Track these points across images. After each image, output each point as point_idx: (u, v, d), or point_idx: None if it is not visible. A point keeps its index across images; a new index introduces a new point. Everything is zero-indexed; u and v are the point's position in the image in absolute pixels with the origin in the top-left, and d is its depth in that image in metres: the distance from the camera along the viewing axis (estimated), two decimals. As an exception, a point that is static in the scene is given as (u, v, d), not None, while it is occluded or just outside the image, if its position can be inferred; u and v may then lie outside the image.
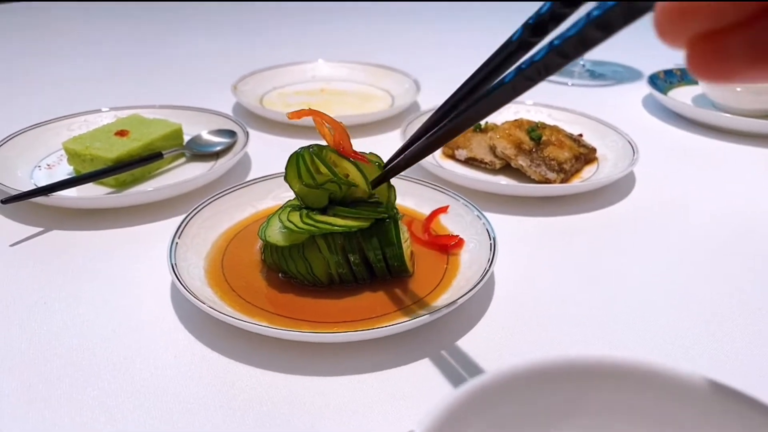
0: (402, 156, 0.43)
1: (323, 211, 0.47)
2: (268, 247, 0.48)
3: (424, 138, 0.40)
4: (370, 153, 0.48)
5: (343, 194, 0.46)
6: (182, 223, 0.52)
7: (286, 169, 0.46)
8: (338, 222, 0.45)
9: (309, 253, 0.46)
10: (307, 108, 0.46)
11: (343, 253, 0.47)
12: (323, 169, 0.45)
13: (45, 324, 0.46)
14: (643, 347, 0.45)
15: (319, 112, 0.46)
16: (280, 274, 0.49)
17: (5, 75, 1.06)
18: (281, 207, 0.48)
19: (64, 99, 0.94)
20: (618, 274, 0.54)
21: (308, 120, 0.84)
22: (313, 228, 0.45)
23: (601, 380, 0.22)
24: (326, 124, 0.46)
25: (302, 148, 0.46)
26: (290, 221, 0.45)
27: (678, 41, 0.20)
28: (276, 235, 0.46)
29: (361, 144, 0.63)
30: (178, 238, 0.51)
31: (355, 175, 0.45)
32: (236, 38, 1.35)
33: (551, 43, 0.27)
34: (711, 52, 0.20)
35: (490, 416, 0.22)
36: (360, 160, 0.46)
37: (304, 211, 0.46)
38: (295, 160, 0.46)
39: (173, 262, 0.47)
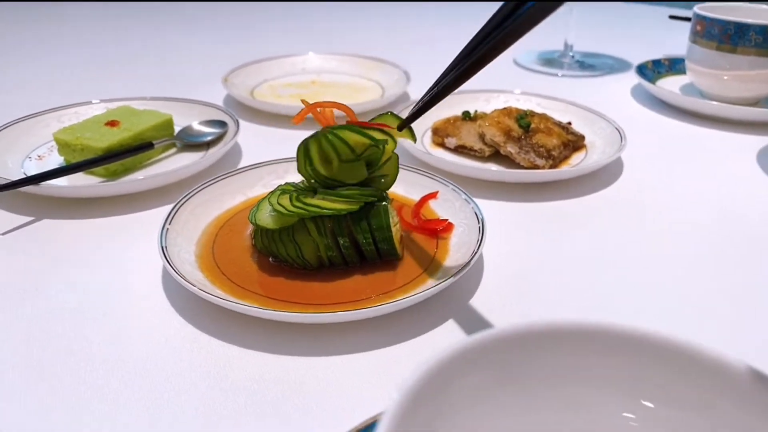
0: (436, 86, 0.43)
1: (313, 194, 0.47)
2: (259, 231, 0.49)
3: (457, 68, 0.40)
4: (389, 113, 0.49)
5: (381, 155, 0.47)
6: (173, 209, 0.53)
7: (308, 156, 0.46)
8: (327, 205, 0.45)
9: (299, 236, 0.47)
10: (304, 106, 0.48)
11: (333, 236, 0.47)
12: (359, 138, 0.46)
13: (36, 310, 0.47)
14: (630, 326, 0.46)
15: (314, 104, 0.48)
16: (270, 259, 0.49)
17: (-5, 69, 1.06)
18: (271, 191, 0.49)
19: (55, 91, 0.94)
20: (605, 256, 0.55)
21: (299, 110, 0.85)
22: (302, 211, 0.45)
23: (571, 344, 0.23)
24: (326, 109, 0.48)
25: (319, 133, 0.47)
26: (280, 204, 0.46)
27: None
28: (266, 218, 0.46)
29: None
30: (169, 224, 0.51)
31: (382, 136, 0.47)
32: (227, 31, 1.35)
33: None
34: None
35: (470, 379, 0.22)
36: (376, 126, 0.47)
37: (294, 194, 0.46)
38: (322, 142, 0.46)
39: (164, 245, 0.47)
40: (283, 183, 0.51)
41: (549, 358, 0.23)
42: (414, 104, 0.46)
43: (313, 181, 0.48)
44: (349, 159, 0.47)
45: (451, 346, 0.22)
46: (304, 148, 0.47)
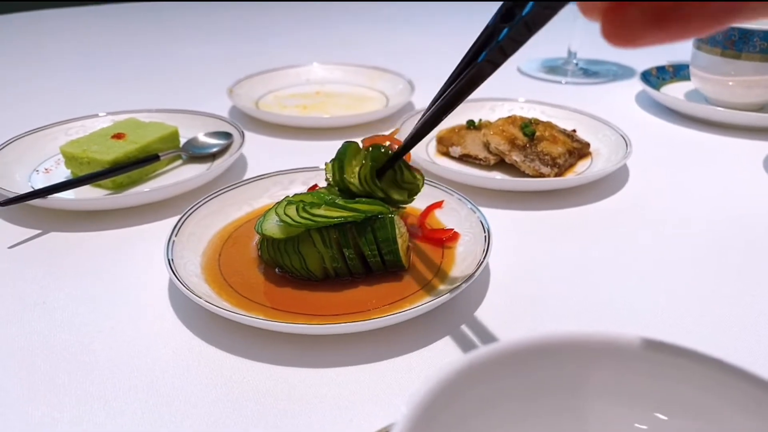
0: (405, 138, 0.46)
1: (319, 205, 0.47)
2: (265, 243, 0.49)
3: (419, 122, 0.43)
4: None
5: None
6: (179, 221, 0.53)
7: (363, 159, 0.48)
8: (334, 213, 0.46)
9: (304, 248, 0.47)
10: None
11: (338, 248, 0.47)
12: (409, 176, 0.49)
13: (44, 323, 0.47)
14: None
15: (387, 136, 0.50)
16: (276, 270, 0.50)
17: (3, 82, 1.07)
18: (278, 202, 0.49)
19: (61, 104, 0.95)
20: (613, 265, 0.54)
21: (304, 121, 0.85)
22: (309, 221, 0.45)
23: (582, 356, 0.22)
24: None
25: (379, 148, 0.48)
26: (287, 215, 0.46)
27: (593, 13, 0.25)
28: (272, 228, 0.46)
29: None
30: (175, 236, 0.51)
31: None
32: (231, 43, 1.36)
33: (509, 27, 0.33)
34: (617, 20, 0.24)
35: (479, 391, 0.22)
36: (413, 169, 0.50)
37: (301, 205, 0.46)
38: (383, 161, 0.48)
39: (170, 258, 0.47)
40: (289, 194, 0.51)
41: (559, 369, 0.23)
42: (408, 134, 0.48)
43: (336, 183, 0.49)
44: (390, 185, 0.49)
45: (460, 359, 0.22)
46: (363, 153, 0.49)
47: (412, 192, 0.50)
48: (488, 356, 0.23)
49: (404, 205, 0.51)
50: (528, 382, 0.23)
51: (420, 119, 0.43)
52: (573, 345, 0.23)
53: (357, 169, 0.48)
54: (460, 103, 0.39)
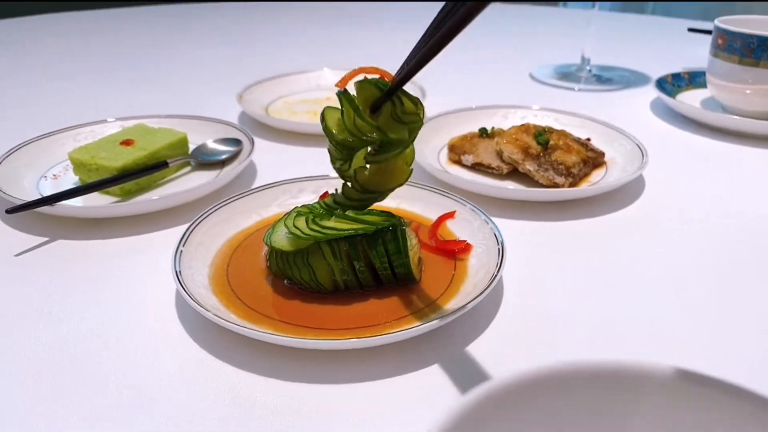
0: (405, 66, 0.40)
1: (329, 216, 0.46)
2: (274, 254, 0.48)
3: (425, 44, 0.38)
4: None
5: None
6: (187, 230, 0.52)
7: (355, 99, 0.42)
8: (344, 225, 0.45)
9: (313, 260, 0.46)
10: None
11: (348, 260, 0.46)
12: (411, 106, 0.42)
13: (50, 333, 0.46)
14: (654, 353, 0.44)
15: (358, 69, 0.43)
16: (285, 281, 0.49)
17: (12, 86, 1.07)
18: (287, 213, 0.48)
19: (70, 110, 0.94)
20: (628, 277, 0.53)
21: (314, 128, 0.84)
22: (318, 234, 0.44)
23: (609, 385, 0.21)
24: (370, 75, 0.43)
25: (369, 83, 0.42)
26: (296, 227, 0.45)
27: None
28: (281, 240, 0.46)
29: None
30: (183, 245, 0.50)
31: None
32: (240, 48, 1.36)
33: None
34: None
35: (501, 422, 0.21)
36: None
37: (310, 217, 0.46)
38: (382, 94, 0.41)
39: (177, 270, 0.46)
40: (298, 203, 0.50)
41: (586, 400, 0.21)
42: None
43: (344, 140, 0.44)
44: (398, 118, 0.42)
45: (485, 386, 0.21)
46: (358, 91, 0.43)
47: (413, 128, 0.43)
48: (512, 385, 0.22)
49: (405, 145, 0.43)
50: (553, 411, 0.22)
51: (426, 41, 0.38)
52: (605, 376, 0.22)
53: (341, 120, 0.43)
54: (476, 16, 0.32)
